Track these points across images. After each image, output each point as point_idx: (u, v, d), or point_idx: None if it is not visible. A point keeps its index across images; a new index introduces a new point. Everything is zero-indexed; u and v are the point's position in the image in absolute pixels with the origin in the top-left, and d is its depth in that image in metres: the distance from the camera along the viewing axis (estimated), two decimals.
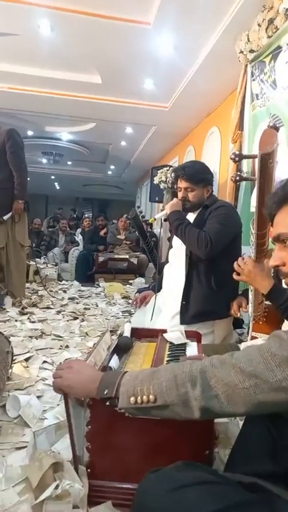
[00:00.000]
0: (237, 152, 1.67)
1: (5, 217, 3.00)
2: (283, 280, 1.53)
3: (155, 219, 2.14)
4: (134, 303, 2.25)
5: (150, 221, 2.24)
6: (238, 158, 1.61)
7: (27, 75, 4.25)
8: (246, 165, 2.83)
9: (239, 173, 1.89)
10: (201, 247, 1.77)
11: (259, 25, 2.58)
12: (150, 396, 0.68)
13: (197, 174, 1.92)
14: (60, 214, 8.38)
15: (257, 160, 1.14)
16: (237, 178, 1.58)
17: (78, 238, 6.88)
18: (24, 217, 3.17)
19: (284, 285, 1.52)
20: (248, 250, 1.56)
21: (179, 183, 1.97)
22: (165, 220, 2.02)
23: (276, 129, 1.11)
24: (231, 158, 1.59)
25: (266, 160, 1.05)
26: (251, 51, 2.74)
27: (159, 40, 3.29)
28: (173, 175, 4.32)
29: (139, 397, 0.69)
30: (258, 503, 0.56)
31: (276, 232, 0.77)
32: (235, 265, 1.41)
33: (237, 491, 0.60)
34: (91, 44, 3.52)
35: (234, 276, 1.43)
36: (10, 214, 3.02)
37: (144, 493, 0.61)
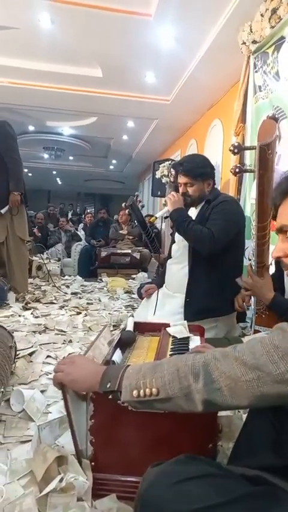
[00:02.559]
0: (236, 144, 1.65)
1: (3, 211, 2.96)
2: (285, 273, 1.54)
3: (156, 217, 2.12)
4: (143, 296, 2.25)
5: (151, 220, 2.22)
6: (237, 150, 1.60)
7: (27, 69, 4.22)
8: (249, 157, 2.81)
9: (238, 165, 1.88)
10: (204, 245, 1.76)
11: (262, 15, 2.54)
12: (153, 389, 0.68)
13: (196, 168, 1.89)
14: (53, 208, 8.20)
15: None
16: (237, 170, 1.57)
17: (81, 233, 6.89)
18: (23, 210, 3.12)
19: (284, 277, 1.54)
20: (250, 244, 1.56)
21: (178, 179, 1.95)
22: (166, 217, 2.01)
23: (276, 119, 1.10)
24: (230, 150, 1.58)
25: (265, 151, 1.04)
26: (254, 42, 2.70)
27: (161, 32, 3.25)
28: (172, 171, 4.31)
29: (142, 390, 0.69)
30: (262, 496, 0.56)
31: (280, 224, 0.77)
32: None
33: (240, 484, 0.60)
34: (92, 37, 3.49)
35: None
36: (7, 207, 2.98)
37: (147, 486, 0.61)
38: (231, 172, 1.79)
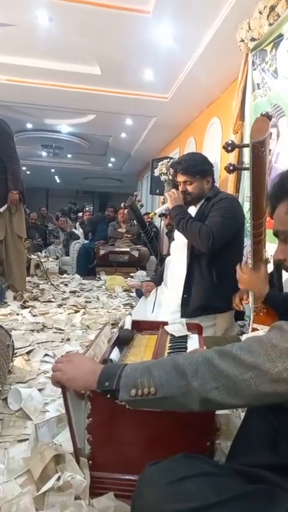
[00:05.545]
0: (229, 141, 1.65)
1: (1, 209, 2.96)
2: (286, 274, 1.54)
3: (155, 213, 2.13)
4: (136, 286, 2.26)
5: (150, 215, 2.24)
6: (230, 148, 1.61)
7: (25, 66, 4.20)
8: (247, 154, 2.80)
9: (232, 163, 1.89)
10: (203, 242, 1.76)
11: (260, 12, 2.53)
12: (151, 388, 0.68)
13: (194, 166, 1.90)
14: (45, 210, 8.39)
15: None
16: (231, 168, 1.57)
17: (79, 231, 6.87)
18: (21, 208, 3.13)
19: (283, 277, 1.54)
20: (247, 242, 1.55)
21: (178, 178, 1.96)
22: (161, 215, 2.00)
23: (269, 117, 1.10)
24: (223, 148, 1.58)
25: (258, 149, 1.04)
26: (252, 39, 2.70)
27: (159, 29, 3.24)
28: (171, 170, 4.31)
29: (140, 390, 0.69)
30: (259, 494, 0.56)
31: (275, 229, 0.77)
32: (237, 274, 1.51)
33: (238, 482, 0.60)
34: (90, 34, 3.47)
35: (240, 285, 1.53)
36: (6, 206, 2.99)
37: (144, 485, 0.61)
38: (225, 170, 1.80)
